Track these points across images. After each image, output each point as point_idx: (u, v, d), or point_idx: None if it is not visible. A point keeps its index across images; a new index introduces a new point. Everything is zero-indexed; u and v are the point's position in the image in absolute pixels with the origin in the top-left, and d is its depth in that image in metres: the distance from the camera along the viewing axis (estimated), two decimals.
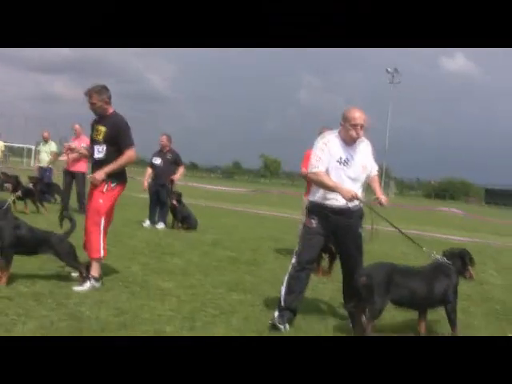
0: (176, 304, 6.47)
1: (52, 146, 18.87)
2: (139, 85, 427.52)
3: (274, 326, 5.75)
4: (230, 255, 10.39)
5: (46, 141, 19.05)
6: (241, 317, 6.10)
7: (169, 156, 14.39)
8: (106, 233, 7.14)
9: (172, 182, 14.43)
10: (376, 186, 6.12)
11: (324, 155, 5.82)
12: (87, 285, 6.77)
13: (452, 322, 5.87)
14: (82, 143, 14.41)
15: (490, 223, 26.10)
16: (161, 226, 14.07)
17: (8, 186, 15.99)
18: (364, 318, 5.63)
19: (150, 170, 14.40)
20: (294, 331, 5.76)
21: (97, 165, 7.09)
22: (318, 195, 5.97)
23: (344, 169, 5.80)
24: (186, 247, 10.96)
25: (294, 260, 6.03)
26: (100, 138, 7.01)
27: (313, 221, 5.96)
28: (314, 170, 5.83)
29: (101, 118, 7.09)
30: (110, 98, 7.10)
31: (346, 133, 5.81)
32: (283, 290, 6.01)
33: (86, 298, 6.33)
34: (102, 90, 7.02)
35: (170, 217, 14.21)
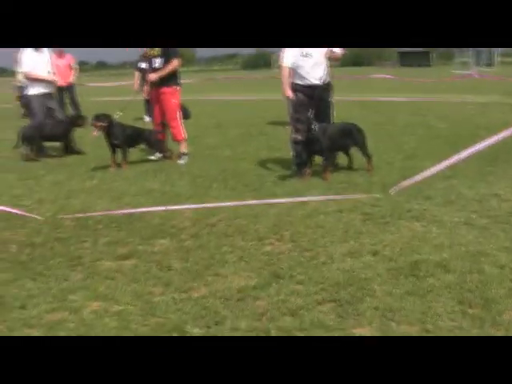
0: (248, 162, 9.69)
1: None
2: None
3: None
4: (241, 132, 13.60)
5: None
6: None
7: None
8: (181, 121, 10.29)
9: None
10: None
11: (288, 52, 8.54)
12: (185, 158, 9.97)
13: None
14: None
15: (416, 83, 29.72)
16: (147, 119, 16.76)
17: None
18: None
19: (137, 74, 16.39)
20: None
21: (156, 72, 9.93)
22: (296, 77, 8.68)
23: (308, 59, 8.48)
24: (201, 131, 13.98)
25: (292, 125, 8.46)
26: (158, 53, 9.85)
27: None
28: (281, 64, 8.67)
29: None
30: None
31: None
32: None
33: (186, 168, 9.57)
34: None
35: None
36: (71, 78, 18.08)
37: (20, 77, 21.03)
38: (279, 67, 8.84)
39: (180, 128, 10.14)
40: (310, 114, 8.15)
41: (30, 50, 11.15)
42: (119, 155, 9.73)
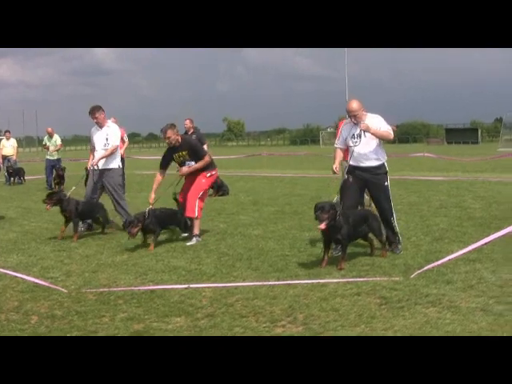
0: (276, 241, 9.81)
1: (58, 140, 22.18)
2: (83, 60, 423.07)
3: None
4: (276, 210, 13.73)
5: (50, 136, 22.08)
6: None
7: (194, 136, 17.52)
8: (203, 202, 10.37)
9: None
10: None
11: (341, 136, 8.94)
12: (195, 240, 9.96)
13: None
14: (124, 135, 18.31)
15: (458, 162, 29.62)
16: None
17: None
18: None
19: None
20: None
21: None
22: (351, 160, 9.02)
23: (357, 140, 8.76)
24: (238, 208, 14.24)
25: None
26: (187, 157, 10.18)
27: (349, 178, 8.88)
28: (335, 146, 9.09)
29: (179, 145, 10.20)
30: (178, 130, 10.33)
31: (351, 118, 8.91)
32: None
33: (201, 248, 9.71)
34: (173, 126, 10.20)
35: None
36: (122, 151, 19.04)
37: (52, 148, 21.91)
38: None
39: (195, 206, 10.11)
40: (336, 200, 8.26)
41: (93, 127, 11.54)
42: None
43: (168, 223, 10.36)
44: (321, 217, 7.73)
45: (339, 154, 8.94)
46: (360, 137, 8.66)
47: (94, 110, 11.25)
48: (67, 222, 10.78)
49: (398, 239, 8.80)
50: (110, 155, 11.32)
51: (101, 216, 11.19)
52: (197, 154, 10.18)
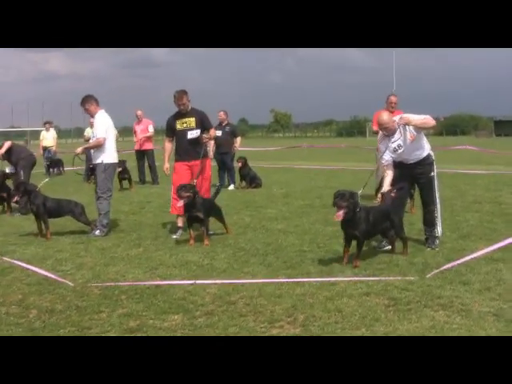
0: (297, 236, 9.57)
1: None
2: (134, 52, 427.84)
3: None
4: (305, 203, 13.48)
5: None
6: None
7: (227, 128, 17.48)
8: None
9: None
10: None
11: (386, 153, 8.37)
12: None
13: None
14: (149, 125, 18.48)
15: (503, 156, 28.74)
16: (231, 187, 17.25)
17: None
18: None
19: (212, 142, 17.08)
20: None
21: (191, 143, 9.92)
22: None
23: (400, 150, 8.35)
24: (267, 201, 14.03)
25: None
26: (193, 125, 9.92)
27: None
28: (384, 163, 8.52)
29: (186, 112, 9.96)
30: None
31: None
32: None
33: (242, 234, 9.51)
34: (186, 92, 9.94)
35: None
36: (150, 142, 19.51)
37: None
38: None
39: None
40: (359, 192, 7.83)
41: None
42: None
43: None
44: (339, 204, 7.41)
45: (390, 174, 8.43)
46: (400, 146, 8.33)
47: (83, 101, 10.39)
48: (36, 218, 10.14)
49: (436, 234, 8.55)
50: (93, 148, 10.47)
51: (72, 215, 10.42)
52: (205, 122, 10.06)
